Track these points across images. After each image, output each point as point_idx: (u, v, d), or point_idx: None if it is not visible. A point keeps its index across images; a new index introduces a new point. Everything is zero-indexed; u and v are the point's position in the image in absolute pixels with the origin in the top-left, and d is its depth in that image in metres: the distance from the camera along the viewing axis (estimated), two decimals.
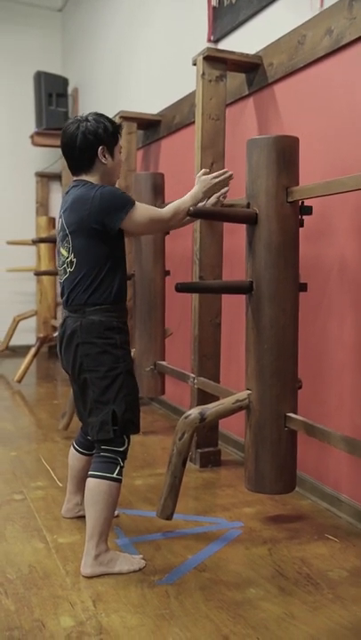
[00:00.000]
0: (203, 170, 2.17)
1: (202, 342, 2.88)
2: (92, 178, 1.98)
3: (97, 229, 1.89)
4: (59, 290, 2.15)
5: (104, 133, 1.95)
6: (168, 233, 3.44)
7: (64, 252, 1.95)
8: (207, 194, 2.11)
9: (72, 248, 1.92)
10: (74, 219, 1.91)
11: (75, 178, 2.01)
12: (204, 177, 2.12)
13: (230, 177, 2.16)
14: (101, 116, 2.00)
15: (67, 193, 2.00)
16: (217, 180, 2.11)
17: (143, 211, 1.93)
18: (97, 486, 1.90)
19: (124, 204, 1.89)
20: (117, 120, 3.65)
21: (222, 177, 2.13)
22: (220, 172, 2.15)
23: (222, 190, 2.18)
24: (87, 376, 1.93)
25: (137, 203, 1.93)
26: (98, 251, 1.91)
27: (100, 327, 1.93)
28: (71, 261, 1.93)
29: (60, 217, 1.99)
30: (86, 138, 1.93)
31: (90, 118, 1.97)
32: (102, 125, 1.95)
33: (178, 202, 2.04)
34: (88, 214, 1.88)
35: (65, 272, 1.96)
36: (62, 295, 2.00)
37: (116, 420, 1.92)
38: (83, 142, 1.94)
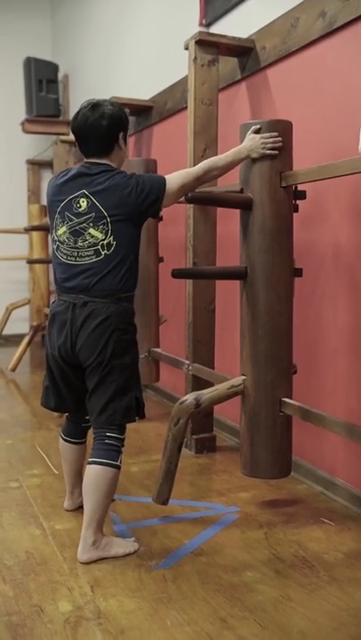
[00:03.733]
0: (253, 127, 2.11)
1: (196, 329, 2.88)
2: (111, 162, 1.98)
3: (142, 218, 1.94)
4: (52, 276, 2.07)
5: (125, 120, 1.98)
6: (161, 219, 3.42)
7: (97, 234, 1.89)
8: (252, 152, 2.08)
9: (112, 231, 1.89)
10: (118, 204, 1.89)
11: (92, 160, 1.97)
12: (252, 135, 2.09)
13: (280, 143, 2.08)
14: (116, 102, 2.01)
15: (87, 174, 1.93)
16: (264, 140, 2.07)
17: (174, 182, 1.97)
18: (100, 473, 1.90)
19: (162, 186, 1.94)
20: None
21: (271, 139, 2.08)
22: (271, 133, 2.09)
23: (269, 152, 2.08)
24: (116, 363, 1.91)
25: (166, 177, 1.96)
26: (135, 236, 1.94)
27: (129, 314, 1.96)
28: (110, 244, 1.89)
29: (84, 197, 1.91)
30: (112, 122, 1.93)
31: (109, 103, 1.97)
32: (122, 111, 1.97)
33: (217, 157, 2.08)
34: (138, 204, 1.90)
35: (97, 254, 1.90)
36: (72, 278, 1.92)
37: (138, 404, 1.97)
38: (109, 126, 1.93)
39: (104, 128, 1.92)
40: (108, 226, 1.89)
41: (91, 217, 1.90)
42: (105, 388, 1.93)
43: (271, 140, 2.08)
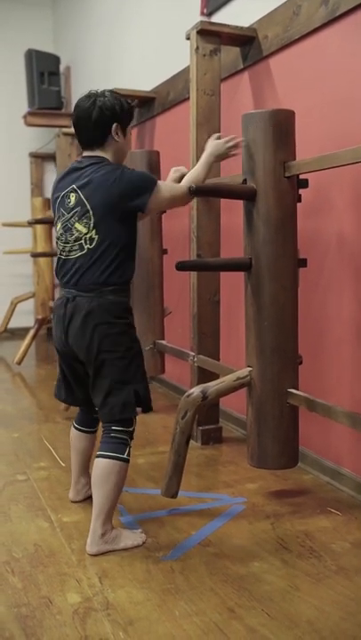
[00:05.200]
0: (214, 134, 2.18)
1: (201, 320, 2.88)
2: (105, 154, 1.97)
3: (125, 211, 1.91)
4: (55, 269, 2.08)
5: (120, 111, 1.95)
6: (165, 211, 3.41)
7: (81, 228, 1.89)
8: (220, 158, 2.13)
9: (94, 225, 1.88)
10: (99, 197, 1.88)
11: (87, 153, 1.99)
12: (216, 141, 2.13)
13: (243, 143, 2.14)
14: (118, 94, 2.00)
15: (78, 168, 1.95)
16: (228, 144, 2.13)
17: (165, 189, 1.95)
18: (108, 466, 1.90)
19: (150, 184, 1.92)
20: None
21: (234, 142, 2.15)
22: (231, 136, 2.16)
23: (233, 153, 2.18)
24: (106, 357, 1.91)
25: (159, 181, 1.95)
26: (121, 230, 1.91)
27: (118, 307, 1.93)
28: (92, 238, 1.88)
29: (73, 191, 1.92)
30: (103, 112, 1.92)
31: (107, 94, 1.96)
32: (119, 102, 1.96)
33: (194, 172, 2.09)
34: (118, 195, 1.88)
35: (81, 248, 1.90)
36: (66, 273, 1.94)
37: (139, 399, 1.95)
38: (98, 116, 1.92)
39: (95, 119, 1.92)
40: (90, 219, 1.89)
41: (77, 211, 1.91)
42: (101, 382, 1.94)
43: (232, 143, 2.15)
